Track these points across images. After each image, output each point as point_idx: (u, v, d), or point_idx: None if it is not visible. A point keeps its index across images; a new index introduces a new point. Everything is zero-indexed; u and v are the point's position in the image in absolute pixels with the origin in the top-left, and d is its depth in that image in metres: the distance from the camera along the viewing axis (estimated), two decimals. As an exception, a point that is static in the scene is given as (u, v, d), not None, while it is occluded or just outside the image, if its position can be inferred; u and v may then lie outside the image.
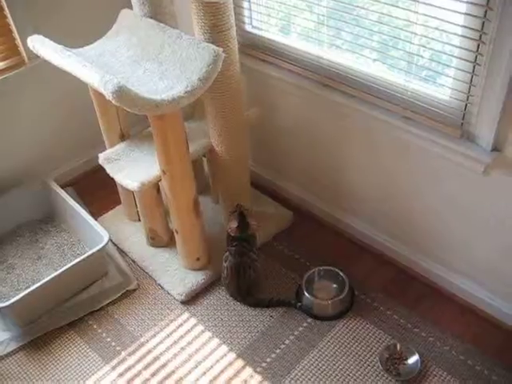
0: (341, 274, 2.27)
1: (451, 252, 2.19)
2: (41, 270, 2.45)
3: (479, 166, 1.86)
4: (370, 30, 1.99)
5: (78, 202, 2.56)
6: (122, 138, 2.35)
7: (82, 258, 2.25)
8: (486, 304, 2.16)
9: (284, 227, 2.58)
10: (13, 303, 2.10)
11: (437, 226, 2.17)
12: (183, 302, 2.30)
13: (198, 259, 2.34)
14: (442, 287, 2.28)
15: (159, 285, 2.38)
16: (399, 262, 2.38)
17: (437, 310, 2.21)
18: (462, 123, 1.87)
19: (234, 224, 2.17)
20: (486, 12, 1.63)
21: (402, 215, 2.28)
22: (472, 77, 1.77)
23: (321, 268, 2.31)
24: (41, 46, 2.01)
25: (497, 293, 2.12)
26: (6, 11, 2.39)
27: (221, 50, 1.88)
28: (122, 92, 1.69)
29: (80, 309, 2.30)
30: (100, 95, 1.91)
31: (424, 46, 1.87)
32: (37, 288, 2.15)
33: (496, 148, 1.83)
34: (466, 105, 1.83)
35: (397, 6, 1.85)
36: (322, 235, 2.55)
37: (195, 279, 2.34)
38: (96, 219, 2.55)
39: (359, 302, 2.25)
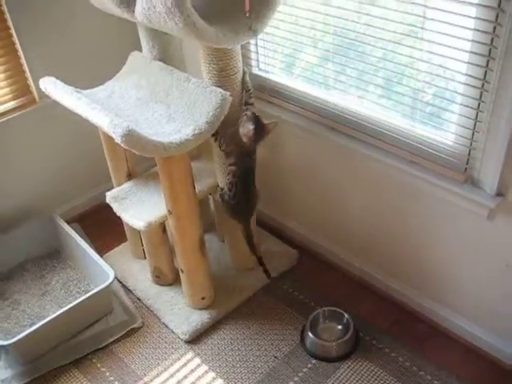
0: (345, 315, 2.26)
1: (456, 294, 2.18)
2: (46, 307, 2.45)
3: (484, 211, 1.87)
4: (375, 74, 2.03)
5: (84, 239, 2.58)
6: (129, 176, 2.38)
7: (87, 295, 2.25)
8: (492, 346, 2.14)
9: (289, 266, 2.58)
10: (16, 341, 2.10)
11: (442, 267, 2.17)
12: (187, 342, 2.29)
13: (202, 298, 2.34)
14: (447, 329, 2.26)
15: (164, 323, 2.37)
16: (404, 303, 2.38)
17: (442, 352, 2.20)
18: (466, 168, 1.89)
19: (250, 126, 1.89)
20: (488, 62, 1.66)
21: (407, 256, 2.28)
22: (475, 123, 1.80)
23: (325, 309, 2.30)
24: (52, 87, 2.06)
25: (502, 335, 2.11)
26: (20, 52, 2.46)
27: (228, 93, 1.92)
28: (130, 136, 1.72)
29: (84, 347, 2.29)
30: (109, 136, 1.95)
31: (427, 93, 1.90)
32: (41, 326, 2.15)
33: (500, 193, 1.84)
34: (470, 150, 1.86)
35: (400, 53, 1.89)
36: (327, 275, 2.55)
37: (200, 318, 2.33)
38: (102, 256, 2.56)
39: (364, 344, 2.23)
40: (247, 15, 1.83)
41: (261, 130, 1.94)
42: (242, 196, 2.09)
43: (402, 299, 2.38)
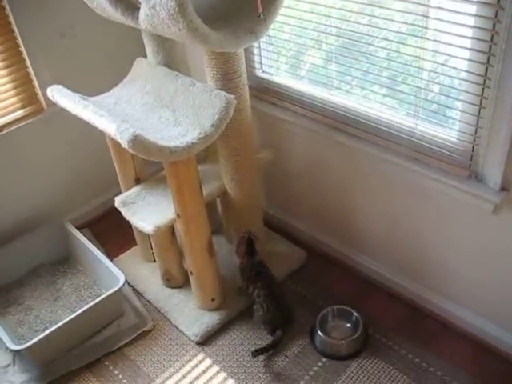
0: (354, 313, 2.27)
1: (464, 289, 2.19)
2: (58, 312, 2.49)
3: (488, 206, 1.89)
4: (378, 70, 2.04)
5: (94, 244, 2.61)
6: (138, 181, 2.40)
7: (98, 300, 2.28)
8: (501, 341, 2.15)
9: (297, 266, 2.59)
10: (30, 346, 2.13)
11: (449, 263, 2.18)
12: (198, 343, 2.32)
13: (212, 300, 2.36)
14: (456, 325, 2.27)
15: (174, 325, 2.39)
16: (413, 299, 2.39)
17: (452, 348, 2.21)
18: (470, 164, 1.91)
19: (242, 248, 2.26)
20: (488, 58, 1.68)
21: (414, 253, 2.29)
22: (478, 119, 1.81)
23: (334, 307, 2.32)
24: (59, 96, 2.09)
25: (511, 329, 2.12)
26: (28, 62, 2.50)
27: (232, 97, 1.94)
28: (137, 141, 1.75)
29: (96, 350, 2.32)
30: (116, 142, 1.98)
31: (430, 91, 1.92)
32: (54, 330, 2.19)
33: (504, 188, 1.86)
34: (474, 146, 1.87)
35: (404, 53, 1.91)
36: (335, 274, 2.57)
37: (210, 320, 2.36)
38: (112, 260, 2.59)
39: (373, 342, 2.25)
40: (261, 16, 1.84)
41: (253, 252, 2.27)
42: (277, 309, 2.26)
43: (411, 296, 2.39)
